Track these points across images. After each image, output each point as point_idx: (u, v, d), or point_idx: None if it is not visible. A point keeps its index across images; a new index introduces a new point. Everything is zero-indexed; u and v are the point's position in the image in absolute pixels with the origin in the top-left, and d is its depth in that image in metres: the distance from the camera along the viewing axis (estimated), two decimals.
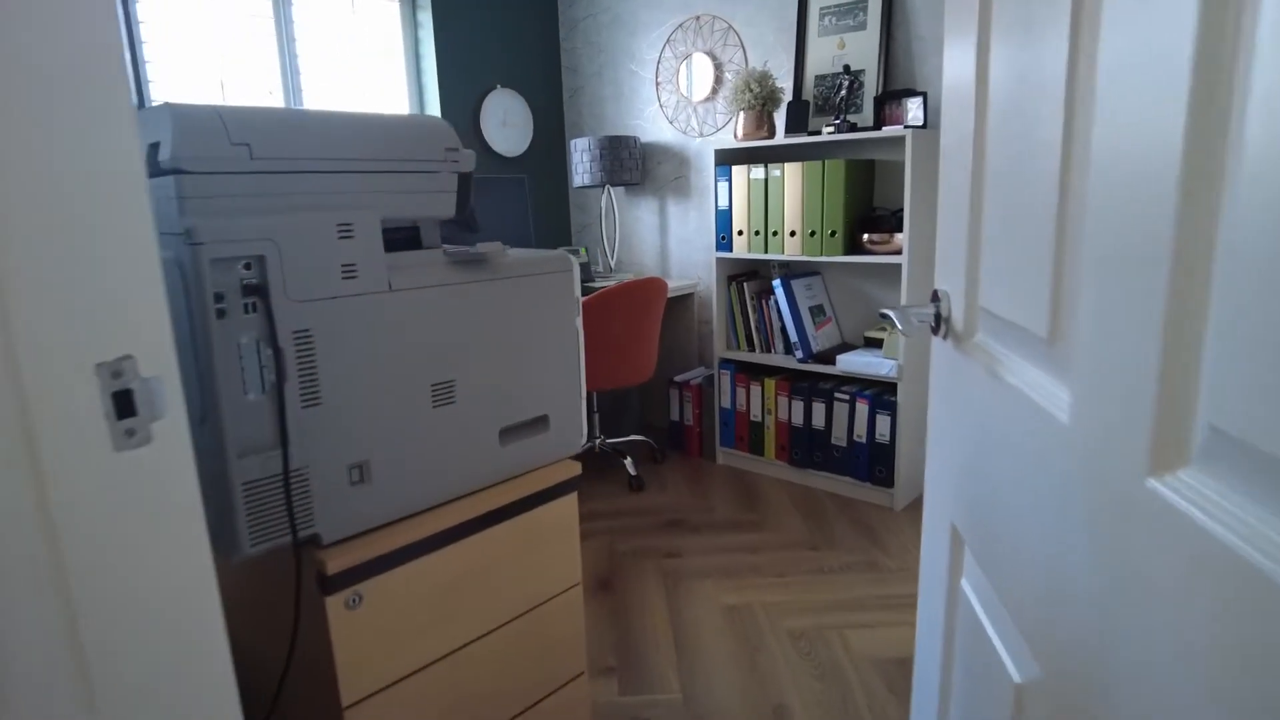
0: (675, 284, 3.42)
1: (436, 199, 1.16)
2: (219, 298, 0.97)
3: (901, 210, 2.74)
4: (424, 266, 1.16)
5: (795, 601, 2.19)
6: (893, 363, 2.71)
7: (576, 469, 1.43)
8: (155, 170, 0.99)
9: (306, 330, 1.04)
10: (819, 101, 3.02)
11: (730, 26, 3.25)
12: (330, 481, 1.10)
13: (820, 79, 3.01)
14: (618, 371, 2.96)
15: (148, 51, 2.66)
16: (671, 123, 3.54)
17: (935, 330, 0.97)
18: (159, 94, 2.68)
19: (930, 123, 2.76)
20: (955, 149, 0.90)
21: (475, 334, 1.23)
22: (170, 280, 1.01)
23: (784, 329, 3.08)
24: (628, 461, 3.08)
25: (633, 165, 3.54)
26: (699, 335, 3.59)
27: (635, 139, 3.55)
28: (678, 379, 3.37)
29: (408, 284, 1.14)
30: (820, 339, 3.01)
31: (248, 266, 0.99)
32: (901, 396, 2.71)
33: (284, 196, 1.05)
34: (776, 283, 2.96)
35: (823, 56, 2.99)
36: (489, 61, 3.60)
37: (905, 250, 2.62)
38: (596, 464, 3.30)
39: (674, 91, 3.49)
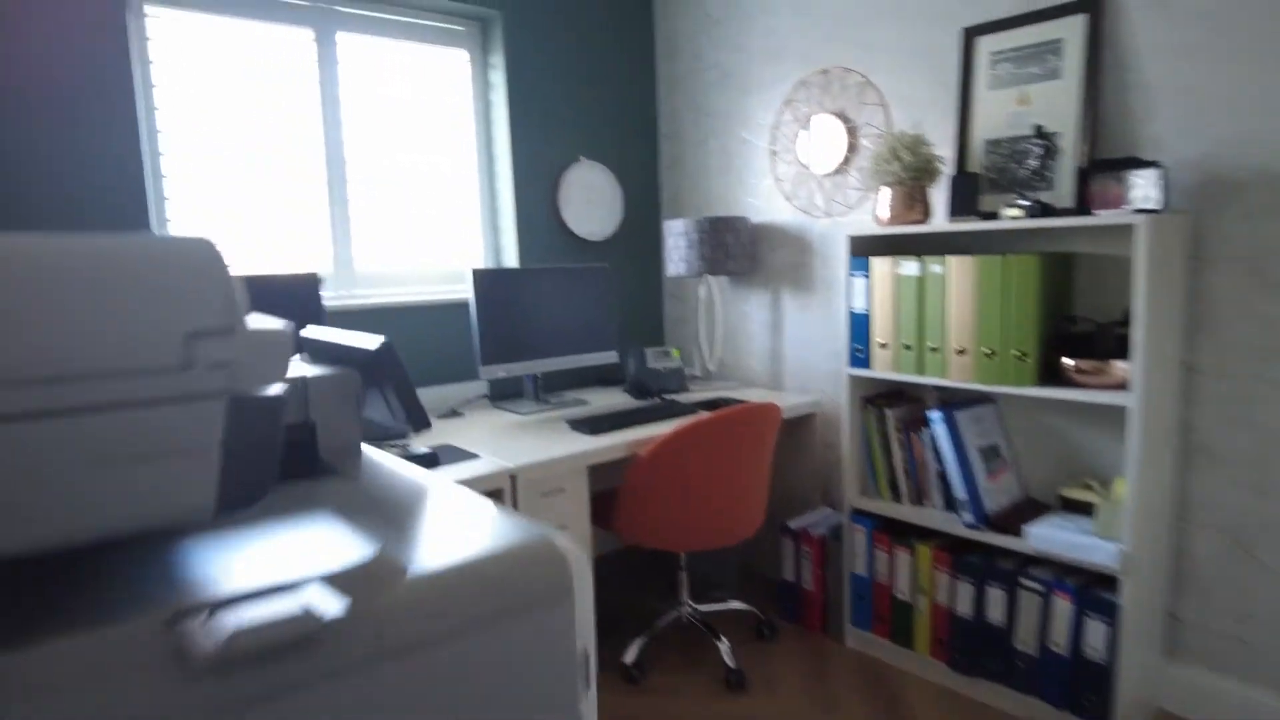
0: (792, 401, 2.68)
1: (159, 484, 0.48)
2: None
3: (1119, 326, 1.93)
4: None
5: None
6: (1113, 546, 1.86)
7: None
8: None
9: None
10: (992, 174, 2.27)
11: (867, 81, 2.56)
12: None
13: (994, 145, 2.26)
14: (712, 527, 2.22)
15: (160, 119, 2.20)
16: (789, 200, 2.85)
17: None
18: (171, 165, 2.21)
19: (1172, 203, 1.96)
20: None
21: None
22: None
23: (944, 476, 2.27)
24: (724, 647, 2.30)
25: (740, 251, 2.86)
26: (823, 466, 2.81)
27: (744, 220, 2.88)
28: (793, 525, 2.60)
29: None
30: (995, 493, 2.19)
31: None
32: (1128, 596, 1.85)
33: None
34: (935, 415, 2.17)
35: (997, 115, 2.25)
36: (571, 129, 3.04)
37: (1137, 386, 1.79)
38: (682, 642, 2.54)
39: (793, 162, 2.82)
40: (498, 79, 2.86)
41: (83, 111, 2.08)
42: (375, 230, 2.68)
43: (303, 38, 2.49)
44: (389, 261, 2.73)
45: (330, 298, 2.58)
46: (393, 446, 2.19)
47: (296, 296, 2.13)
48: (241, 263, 2.41)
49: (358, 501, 0.60)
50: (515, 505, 2.00)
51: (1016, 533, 2.04)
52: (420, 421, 0.76)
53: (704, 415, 2.12)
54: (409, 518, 0.55)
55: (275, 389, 0.40)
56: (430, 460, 1.98)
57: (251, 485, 0.40)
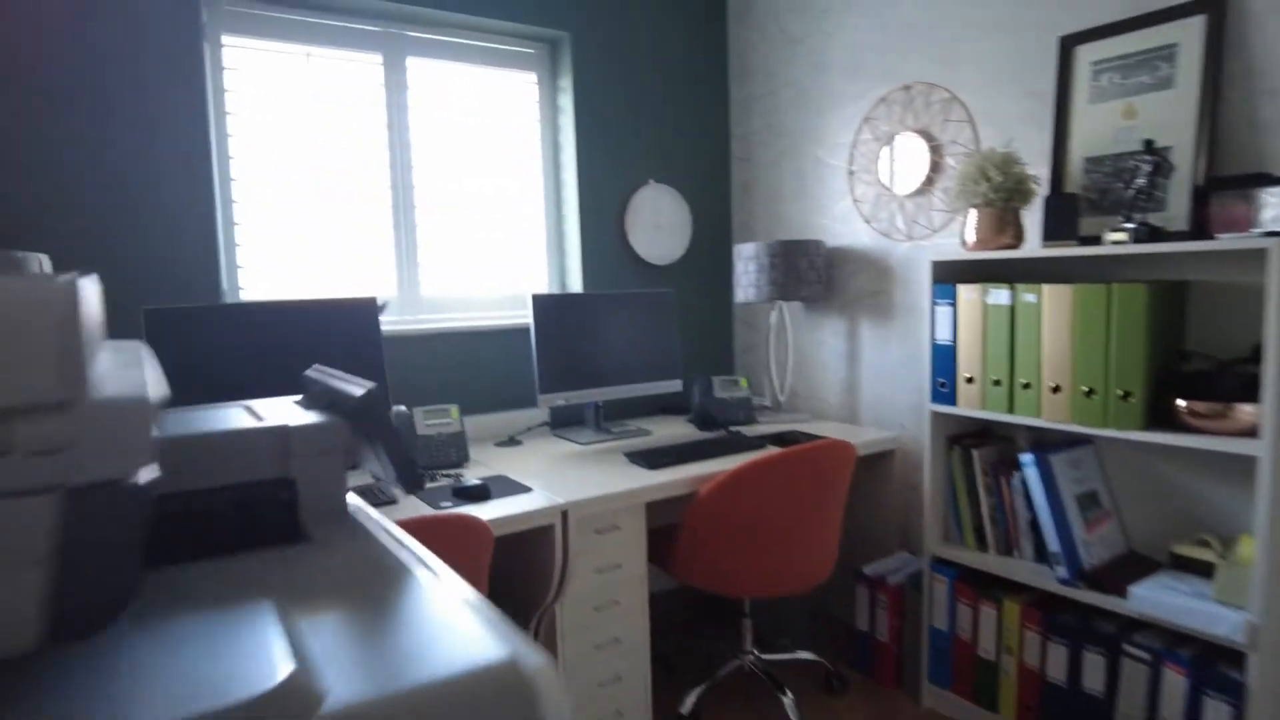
0: (869, 437, 2.51)
1: None
2: None
3: (1245, 363, 1.70)
4: None
5: None
6: (1238, 615, 1.63)
7: None
8: None
9: None
10: (1093, 195, 2.07)
11: (953, 96, 2.40)
12: None
13: (1095, 163, 2.06)
14: (777, 574, 2.08)
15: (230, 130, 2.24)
16: (868, 222, 2.69)
17: None
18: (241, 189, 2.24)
19: None
20: None
21: None
22: None
23: (1036, 525, 2.07)
24: (788, 701, 2.14)
25: (814, 276, 2.72)
26: (903, 508, 2.62)
27: (818, 243, 2.73)
28: (869, 571, 2.42)
29: None
30: (1093, 546, 1.97)
31: None
32: (1257, 676, 1.61)
33: None
34: (1027, 458, 1.98)
35: (1100, 130, 2.06)
36: (640, 151, 2.97)
37: (1269, 432, 1.57)
38: (744, 692, 2.39)
39: (873, 183, 2.66)
40: (566, 101, 2.82)
41: (159, 142, 2.13)
42: (441, 255, 2.66)
43: (372, 63, 2.50)
44: (455, 286, 2.70)
45: (394, 322, 2.57)
46: (446, 476, 2.14)
47: (354, 321, 2.11)
48: (306, 287, 2.42)
49: (316, 585, 0.51)
50: (566, 543, 1.91)
51: (1120, 592, 1.82)
52: (411, 481, 0.67)
53: (771, 452, 1.98)
54: (363, 615, 0.46)
55: (141, 473, 0.32)
56: (481, 492, 1.92)
57: (101, 601, 0.32)
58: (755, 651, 2.34)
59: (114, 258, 2.05)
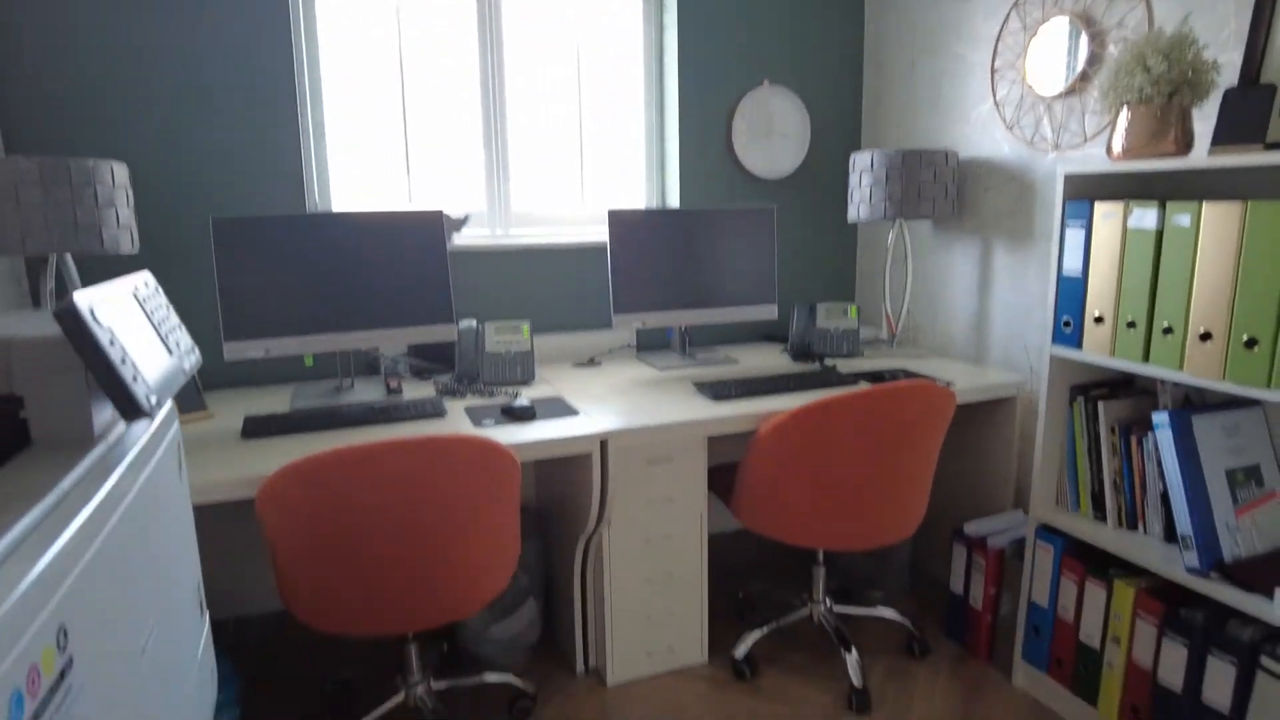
0: (992, 380, 2.18)
1: None
2: None
3: None
4: None
5: None
6: None
7: None
8: None
9: None
10: None
11: None
12: None
13: None
14: (847, 526, 1.87)
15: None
16: (1010, 129, 2.27)
17: None
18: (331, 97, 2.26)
19: None
20: None
21: None
22: None
23: (1166, 498, 1.70)
24: (851, 659, 1.96)
25: (939, 193, 2.36)
26: (1019, 465, 2.28)
27: (949, 154, 2.36)
28: (969, 530, 2.14)
29: None
30: (1244, 533, 1.59)
31: None
32: None
33: None
34: (1161, 417, 1.61)
35: None
36: (755, 47, 2.68)
37: None
38: (809, 643, 2.23)
39: (1017, 81, 2.23)
40: (670, 19, 2.58)
41: (245, 50, 2.18)
42: (535, 170, 2.58)
43: None
44: (549, 203, 2.62)
45: (483, 237, 2.54)
46: (504, 392, 2.11)
47: (420, 235, 2.09)
48: (399, 203, 2.43)
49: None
50: (605, 472, 1.82)
51: (1267, 593, 1.46)
52: (132, 409, 0.60)
53: (848, 391, 1.75)
54: None
55: None
56: (527, 413, 1.86)
57: None
58: (827, 602, 2.16)
59: (196, 166, 2.14)
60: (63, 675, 0.52)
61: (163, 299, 0.90)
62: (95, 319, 0.62)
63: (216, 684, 1.07)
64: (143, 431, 0.80)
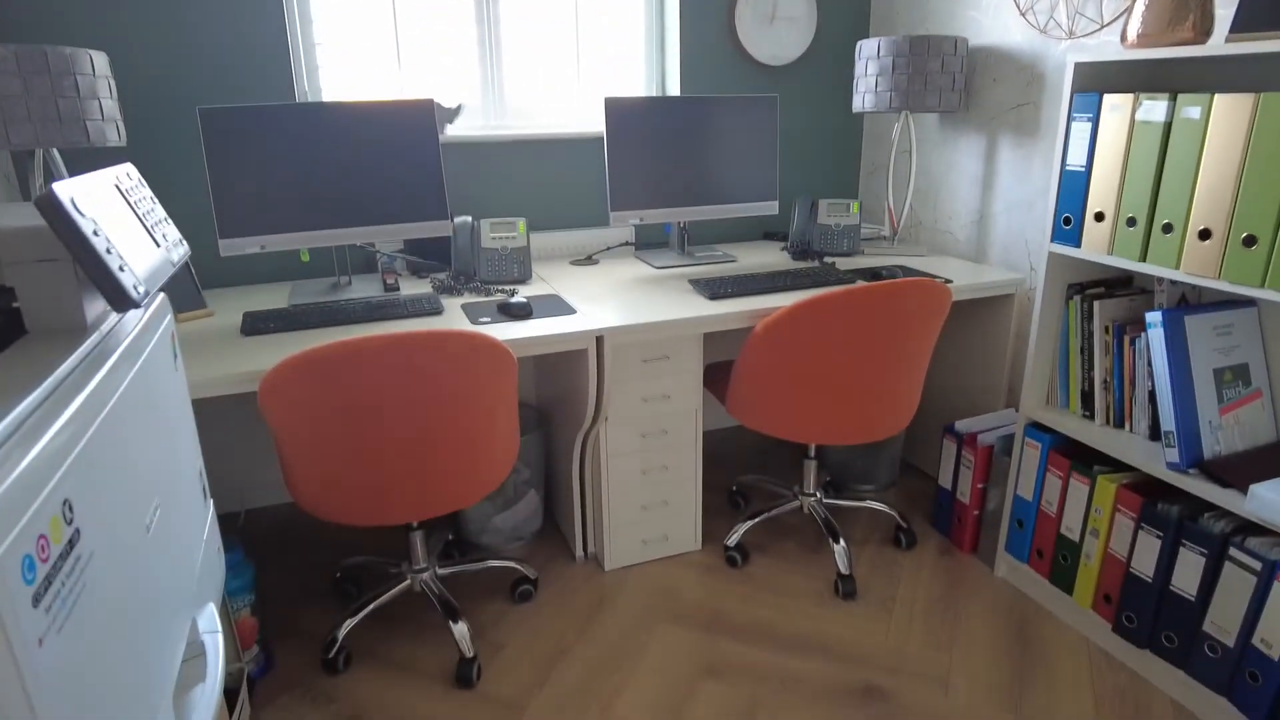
0: (990, 278, 2.17)
1: None
2: None
3: None
4: None
5: None
6: None
7: None
8: None
9: None
10: None
11: None
12: None
13: None
14: (839, 422, 1.91)
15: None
16: (1024, 13, 2.18)
17: None
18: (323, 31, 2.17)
19: None
20: None
21: None
22: None
23: (1154, 397, 1.73)
24: (839, 549, 2.04)
25: (947, 83, 2.29)
26: (1012, 363, 2.30)
27: (958, 40, 2.27)
28: (960, 427, 2.18)
29: None
30: (1227, 430, 1.62)
31: None
32: None
33: None
34: (1154, 316, 1.62)
35: None
36: None
37: None
38: (798, 533, 2.31)
39: None
40: None
41: None
42: (529, 56, 2.49)
43: None
44: (544, 93, 2.54)
45: (477, 128, 2.48)
46: (500, 290, 2.11)
47: (410, 125, 2.04)
48: (390, 92, 2.36)
49: None
50: (601, 369, 1.84)
51: (1243, 489, 1.50)
52: (120, 298, 0.60)
53: (842, 289, 1.76)
54: None
55: None
56: (523, 311, 1.87)
57: None
58: (818, 495, 2.23)
59: (180, 55, 2.08)
60: (71, 545, 0.56)
61: (147, 191, 0.90)
62: (77, 209, 0.62)
63: (224, 566, 1.13)
64: (136, 322, 0.82)
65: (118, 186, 0.80)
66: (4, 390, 0.55)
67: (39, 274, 0.63)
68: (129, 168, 0.89)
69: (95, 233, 0.63)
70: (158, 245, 0.82)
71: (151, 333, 0.84)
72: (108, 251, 0.64)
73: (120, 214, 0.76)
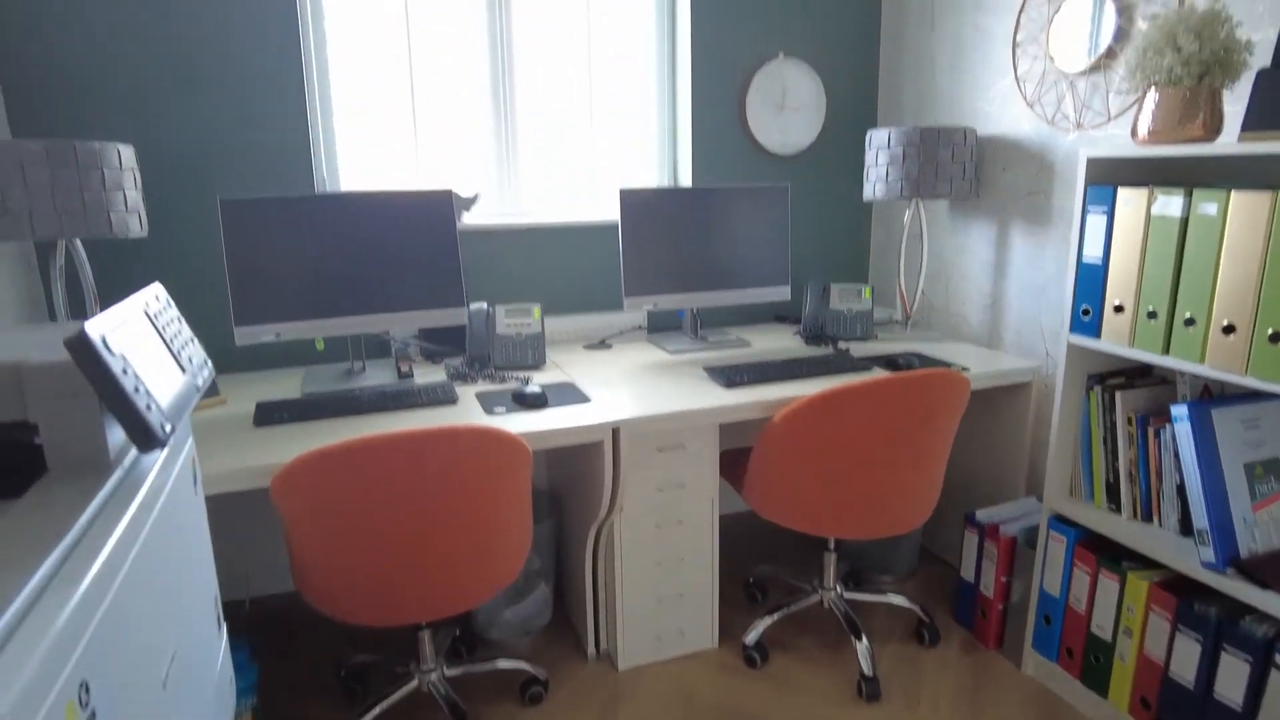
0: (1006, 365, 2.16)
1: None
2: None
3: None
4: None
5: None
6: None
7: None
8: None
9: None
10: None
11: None
12: None
13: None
14: (860, 516, 1.87)
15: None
16: (1031, 106, 2.22)
17: None
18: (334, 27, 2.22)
19: None
20: None
21: None
22: None
23: (1182, 490, 1.69)
24: (861, 648, 1.97)
25: (957, 172, 2.32)
26: (1031, 450, 2.27)
27: (966, 131, 2.31)
28: (981, 516, 2.13)
29: None
30: (1263, 528, 1.58)
31: None
32: None
33: None
34: (1179, 410, 1.59)
35: None
36: (769, 18, 2.62)
37: None
38: (820, 629, 2.24)
39: (1040, 56, 2.17)
40: None
41: (251, 30, 2.13)
42: (544, 147, 2.54)
43: None
44: (558, 182, 2.58)
45: (493, 216, 2.51)
46: (515, 377, 2.10)
47: (429, 215, 2.07)
48: (408, 182, 2.40)
49: None
50: (617, 460, 1.82)
51: None
52: (145, 439, 0.59)
53: (862, 379, 1.74)
54: None
55: None
56: (539, 400, 1.85)
57: None
58: (838, 589, 2.16)
59: (203, 147, 2.12)
60: None
61: (174, 312, 0.89)
62: (108, 348, 0.61)
63: (234, 693, 1.08)
64: (159, 453, 0.80)
65: (147, 311, 0.79)
66: (20, 554, 0.52)
67: (63, 409, 0.61)
68: (158, 289, 0.89)
69: (124, 371, 0.62)
70: (184, 370, 0.81)
71: (174, 461, 0.82)
72: (135, 390, 0.62)
73: (149, 343, 0.75)
